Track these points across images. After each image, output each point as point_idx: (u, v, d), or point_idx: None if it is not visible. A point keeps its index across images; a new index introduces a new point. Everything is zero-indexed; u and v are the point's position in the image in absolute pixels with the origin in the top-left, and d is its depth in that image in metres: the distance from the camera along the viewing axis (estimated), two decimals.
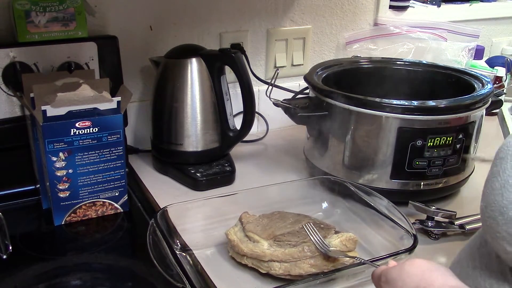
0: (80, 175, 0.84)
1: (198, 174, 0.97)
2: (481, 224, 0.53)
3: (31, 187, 0.94)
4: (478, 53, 1.43)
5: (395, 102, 0.86)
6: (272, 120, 1.25)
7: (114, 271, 0.76)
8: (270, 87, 0.99)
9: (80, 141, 0.81)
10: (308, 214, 0.82)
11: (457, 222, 0.83)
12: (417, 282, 0.51)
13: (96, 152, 0.83)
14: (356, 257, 0.69)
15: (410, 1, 1.45)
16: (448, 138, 0.85)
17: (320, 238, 0.71)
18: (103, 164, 0.85)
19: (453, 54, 1.32)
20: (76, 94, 0.79)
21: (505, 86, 1.37)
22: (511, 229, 0.48)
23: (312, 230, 0.72)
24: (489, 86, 0.93)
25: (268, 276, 0.71)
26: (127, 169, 0.90)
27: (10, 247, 0.74)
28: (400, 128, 0.84)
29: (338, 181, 0.88)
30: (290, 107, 0.94)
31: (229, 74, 1.00)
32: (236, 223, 0.77)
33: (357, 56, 1.26)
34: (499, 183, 0.49)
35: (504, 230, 0.48)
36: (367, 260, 0.67)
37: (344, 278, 0.69)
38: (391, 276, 0.54)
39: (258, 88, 1.15)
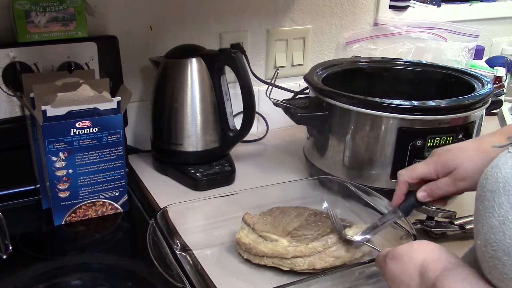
0: (80, 175, 0.84)
1: (198, 174, 0.97)
2: (480, 263, 0.48)
3: (31, 187, 0.94)
4: (478, 53, 1.43)
5: (395, 102, 0.86)
6: (272, 120, 1.25)
7: (114, 271, 0.76)
8: (270, 87, 0.99)
9: (80, 141, 0.81)
10: None
11: (457, 222, 0.83)
12: (424, 257, 0.54)
13: (96, 152, 0.83)
14: (374, 247, 0.72)
15: (410, 1, 1.45)
16: (448, 138, 0.85)
17: (341, 225, 0.74)
18: (103, 164, 0.85)
19: (453, 54, 1.32)
20: (76, 94, 0.79)
21: (505, 86, 1.37)
22: None
23: (333, 216, 0.75)
24: (489, 86, 0.93)
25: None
26: (127, 169, 0.90)
27: (10, 247, 0.74)
28: (400, 128, 0.84)
29: (338, 181, 0.88)
30: (290, 107, 0.94)
31: (229, 74, 1.00)
32: (243, 226, 0.76)
33: (357, 56, 1.26)
34: (497, 220, 0.44)
35: None
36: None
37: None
38: (397, 252, 0.57)
39: (258, 88, 1.15)
